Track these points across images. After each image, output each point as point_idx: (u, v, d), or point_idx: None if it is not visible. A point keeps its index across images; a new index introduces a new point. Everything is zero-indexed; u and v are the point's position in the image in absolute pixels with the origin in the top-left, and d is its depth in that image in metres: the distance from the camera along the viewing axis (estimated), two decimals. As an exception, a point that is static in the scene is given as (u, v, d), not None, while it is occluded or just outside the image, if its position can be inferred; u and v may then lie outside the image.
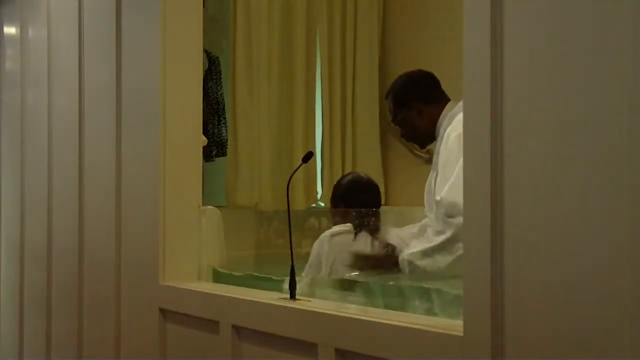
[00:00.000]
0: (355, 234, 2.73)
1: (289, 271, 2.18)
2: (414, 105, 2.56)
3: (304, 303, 2.09)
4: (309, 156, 2.54)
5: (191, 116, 2.80)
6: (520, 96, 1.40)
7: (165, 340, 2.68)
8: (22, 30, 4.27)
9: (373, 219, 2.75)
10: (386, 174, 4.03)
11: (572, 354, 1.28)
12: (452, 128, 2.43)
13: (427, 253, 2.33)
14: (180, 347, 2.61)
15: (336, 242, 2.72)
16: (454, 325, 1.58)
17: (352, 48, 3.99)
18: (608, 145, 1.24)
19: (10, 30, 4.54)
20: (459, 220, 2.10)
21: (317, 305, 2.05)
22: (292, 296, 2.16)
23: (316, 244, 2.78)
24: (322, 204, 3.87)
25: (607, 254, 1.23)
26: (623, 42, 1.22)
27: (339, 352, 1.86)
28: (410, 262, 2.38)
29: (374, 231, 2.73)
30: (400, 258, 2.44)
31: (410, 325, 1.67)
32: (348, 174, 3.14)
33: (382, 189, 3.97)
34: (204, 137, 2.90)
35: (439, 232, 2.30)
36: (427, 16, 3.91)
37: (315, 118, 3.90)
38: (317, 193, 3.88)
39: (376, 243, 2.66)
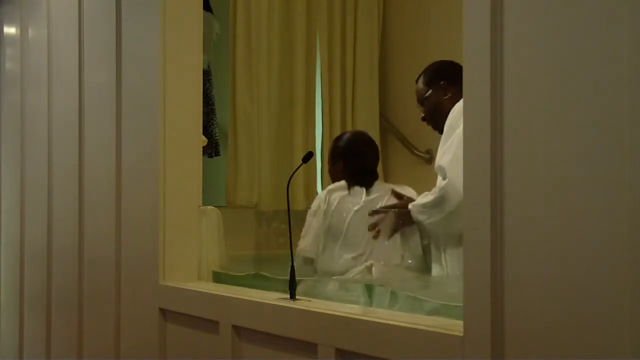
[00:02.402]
0: (349, 188, 2.93)
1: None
2: (442, 85, 2.66)
3: (304, 303, 2.09)
4: (309, 156, 2.55)
5: (191, 116, 2.80)
6: (520, 96, 1.40)
7: (165, 340, 2.68)
8: (22, 30, 4.27)
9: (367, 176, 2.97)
10: (386, 174, 4.02)
11: (572, 354, 1.28)
12: (457, 104, 2.54)
13: (425, 207, 2.51)
14: (180, 347, 2.61)
15: (333, 197, 2.90)
16: (454, 325, 1.58)
17: (352, 48, 3.99)
18: (609, 144, 1.24)
19: (10, 30, 4.54)
20: (445, 182, 2.38)
21: (317, 305, 2.05)
22: (292, 296, 2.16)
23: (315, 201, 2.98)
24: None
25: (608, 253, 1.23)
26: (622, 40, 1.22)
27: (339, 352, 1.86)
28: (412, 212, 2.57)
29: (368, 185, 2.94)
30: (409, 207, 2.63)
31: (410, 325, 1.67)
32: (346, 132, 3.29)
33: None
34: (204, 137, 2.90)
35: (433, 192, 2.50)
36: (427, 16, 3.91)
37: (315, 118, 3.90)
38: (317, 193, 3.87)
39: (390, 195, 2.88)
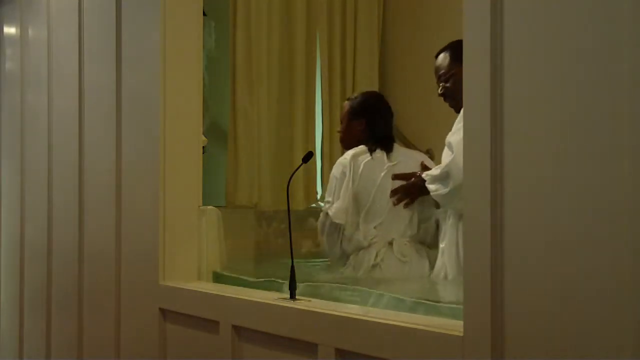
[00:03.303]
0: (371, 152, 2.89)
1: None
2: None
3: (304, 303, 2.09)
4: (309, 156, 2.55)
5: (191, 116, 2.80)
6: (520, 96, 1.40)
7: (165, 340, 2.68)
8: (22, 30, 4.27)
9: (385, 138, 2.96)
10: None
11: (572, 354, 1.28)
12: None
13: (435, 178, 2.56)
14: (180, 347, 2.61)
15: (358, 163, 2.86)
16: (454, 325, 1.58)
17: (352, 48, 3.99)
18: (609, 145, 1.24)
19: (10, 30, 4.54)
20: (450, 159, 2.45)
21: (317, 305, 2.05)
22: (292, 296, 2.16)
23: (337, 167, 2.90)
24: (322, 204, 3.88)
25: (608, 253, 1.23)
26: (622, 40, 1.22)
27: (339, 352, 1.86)
28: (425, 181, 2.62)
29: (388, 149, 2.92)
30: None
31: (410, 325, 1.67)
32: (366, 91, 3.25)
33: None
34: (203, 137, 2.90)
35: (441, 166, 2.56)
36: (427, 16, 3.91)
37: (315, 118, 3.90)
38: (317, 193, 3.88)
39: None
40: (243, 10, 3.65)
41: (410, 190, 2.79)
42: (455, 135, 2.48)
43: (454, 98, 2.70)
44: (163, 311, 2.69)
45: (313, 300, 2.15)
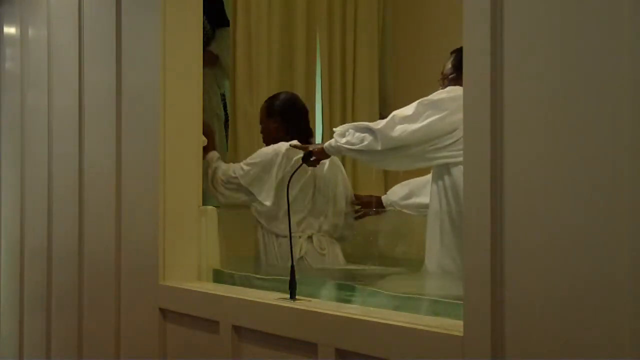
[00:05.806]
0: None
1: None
2: None
3: (304, 303, 2.09)
4: (308, 156, 2.56)
5: (191, 116, 2.80)
6: (520, 96, 1.40)
7: (165, 340, 2.68)
8: (22, 30, 4.27)
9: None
10: (386, 174, 4.03)
11: (572, 354, 1.28)
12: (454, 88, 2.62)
13: (354, 128, 2.64)
14: (180, 347, 2.61)
15: (291, 156, 2.95)
16: (454, 325, 1.58)
17: (352, 48, 3.99)
18: (609, 145, 1.24)
19: (10, 30, 4.54)
20: (382, 125, 2.56)
21: (317, 305, 2.05)
22: (292, 296, 2.16)
23: (271, 153, 2.99)
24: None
25: (607, 254, 1.23)
26: (623, 40, 1.22)
27: (339, 352, 1.86)
28: (335, 141, 2.68)
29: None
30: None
31: (410, 325, 1.67)
32: (281, 92, 3.36)
33: (381, 189, 3.98)
34: (203, 137, 2.90)
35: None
36: (427, 15, 3.91)
37: (315, 118, 3.90)
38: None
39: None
40: (243, 10, 3.65)
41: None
42: (405, 109, 2.56)
43: None
44: (163, 311, 2.69)
45: (313, 300, 2.15)
